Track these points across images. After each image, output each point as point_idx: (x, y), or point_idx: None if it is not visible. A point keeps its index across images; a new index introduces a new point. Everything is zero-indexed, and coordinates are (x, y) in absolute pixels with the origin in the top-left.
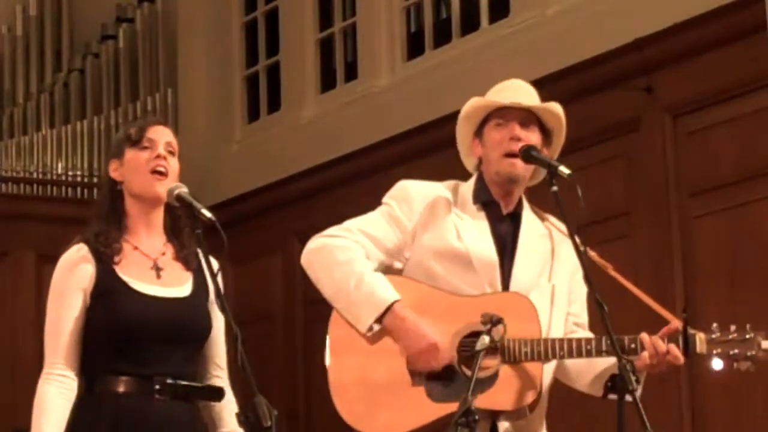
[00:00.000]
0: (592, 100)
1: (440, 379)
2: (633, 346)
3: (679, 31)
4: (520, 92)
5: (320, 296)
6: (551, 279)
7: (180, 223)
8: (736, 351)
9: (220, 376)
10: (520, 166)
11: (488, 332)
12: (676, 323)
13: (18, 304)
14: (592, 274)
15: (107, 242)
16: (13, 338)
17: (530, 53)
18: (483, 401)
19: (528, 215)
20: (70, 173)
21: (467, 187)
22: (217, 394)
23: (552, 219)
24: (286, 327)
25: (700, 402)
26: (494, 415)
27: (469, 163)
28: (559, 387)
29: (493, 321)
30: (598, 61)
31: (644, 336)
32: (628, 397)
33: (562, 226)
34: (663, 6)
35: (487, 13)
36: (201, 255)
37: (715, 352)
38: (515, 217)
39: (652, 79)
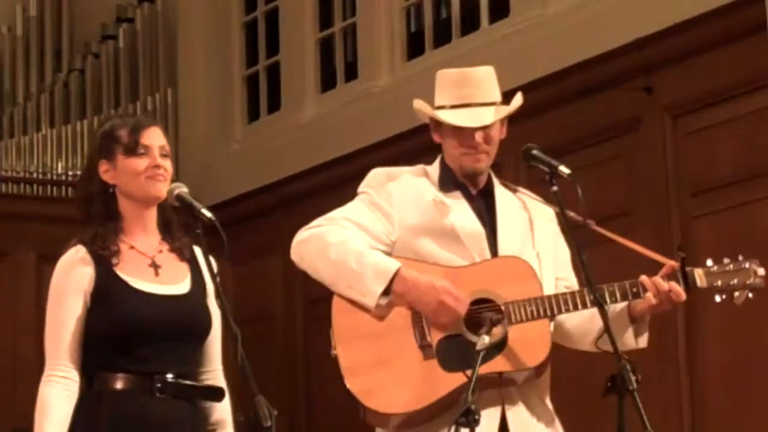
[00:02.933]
0: (592, 100)
1: (450, 348)
2: (635, 290)
3: (679, 31)
4: (476, 89)
5: (320, 296)
6: (534, 247)
7: (167, 215)
8: (735, 281)
9: (215, 374)
10: (483, 159)
11: (488, 332)
12: (672, 263)
13: (18, 304)
14: (586, 250)
15: (105, 245)
16: (13, 338)
17: (530, 53)
18: (493, 366)
19: (500, 190)
20: (70, 173)
21: (433, 170)
22: (218, 394)
23: (523, 190)
24: (286, 327)
25: (700, 400)
26: (501, 383)
27: None
28: (559, 387)
29: (493, 321)
30: (598, 61)
31: (644, 278)
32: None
33: (534, 196)
34: (663, 6)
35: (487, 13)
36: (201, 253)
37: (715, 284)
38: (488, 193)
39: (652, 79)
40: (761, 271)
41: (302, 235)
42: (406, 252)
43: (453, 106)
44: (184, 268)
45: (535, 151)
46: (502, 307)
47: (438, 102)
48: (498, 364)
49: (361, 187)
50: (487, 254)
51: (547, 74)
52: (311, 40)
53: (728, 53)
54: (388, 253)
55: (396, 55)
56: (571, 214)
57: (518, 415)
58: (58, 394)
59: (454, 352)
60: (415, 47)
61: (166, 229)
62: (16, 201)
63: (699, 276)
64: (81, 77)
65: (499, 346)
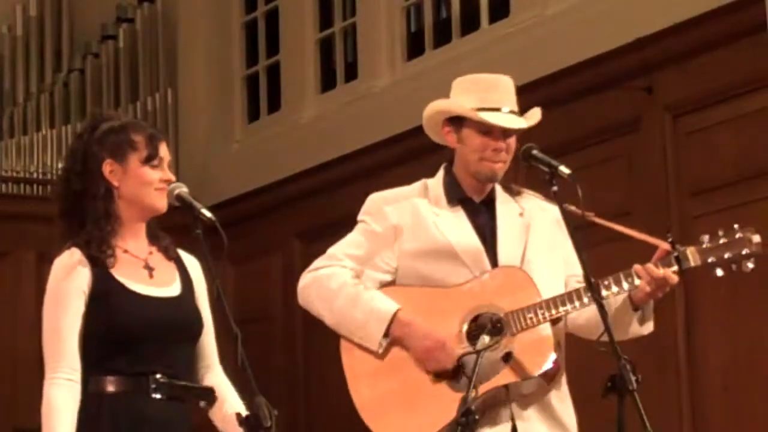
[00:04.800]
0: (592, 100)
1: (458, 369)
2: (629, 279)
3: (679, 31)
4: (506, 96)
5: None
6: (530, 253)
7: (150, 221)
8: (730, 254)
9: (211, 369)
10: (501, 166)
11: (489, 332)
12: (665, 247)
13: (18, 304)
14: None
15: (100, 248)
16: (14, 338)
17: (530, 53)
18: (500, 379)
19: (501, 198)
20: None
21: (436, 183)
22: (212, 395)
23: (527, 192)
24: (286, 327)
25: (700, 401)
26: (510, 399)
27: (436, 137)
28: None
29: (493, 321)
30: (598, 61)
31: (637, 266)
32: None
33: (538, 198)
34: (663, 6)
35: (487, 13)
36: (187, 256)
37: (710, 260)
38: (489, 204)
39: (652, 79)
40: (756, 238)
41: (305, 279)
42: (408, 276)
43: (482, 109)
44: (173, 269)
45: (535, 151)
46: (503, 318)
47: (465, 104)
48: (504, 377)
49: (360, 215)
50: (488, 269)
51: (547, 74)
52: (311, 40)
53: (728, 53)
54: (392, 282)
55: (396, 55)
56: (572, 207)
57: (530, 430)
58: (64, 395)
59: (463, 373)
60: (415, 47)
61: (151, 232)
62: (16, 201)
63: (691, 254)
64: (81, 77)
65: (505, 359)
